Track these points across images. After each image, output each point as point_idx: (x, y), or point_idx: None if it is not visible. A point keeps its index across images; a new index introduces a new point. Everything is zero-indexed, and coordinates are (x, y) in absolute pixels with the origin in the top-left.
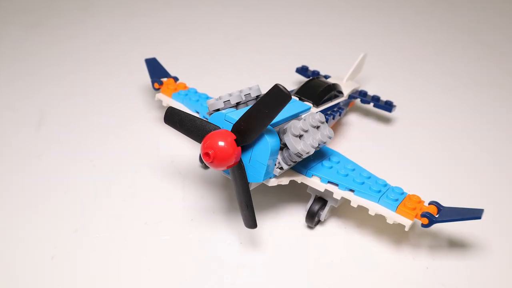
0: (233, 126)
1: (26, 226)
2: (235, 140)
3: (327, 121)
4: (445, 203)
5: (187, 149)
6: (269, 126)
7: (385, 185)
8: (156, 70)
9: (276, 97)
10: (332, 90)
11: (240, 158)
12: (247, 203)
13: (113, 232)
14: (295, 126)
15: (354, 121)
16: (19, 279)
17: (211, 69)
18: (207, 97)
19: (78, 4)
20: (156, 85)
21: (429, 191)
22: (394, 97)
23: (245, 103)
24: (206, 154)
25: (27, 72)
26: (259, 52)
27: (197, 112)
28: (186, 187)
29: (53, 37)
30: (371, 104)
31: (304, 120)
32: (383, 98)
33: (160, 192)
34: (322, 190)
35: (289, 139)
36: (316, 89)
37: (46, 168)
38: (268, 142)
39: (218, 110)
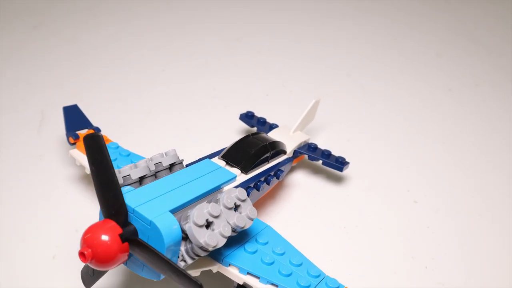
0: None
1: (27, 226)
2: (120, 234)
3: (258, 189)
4: None
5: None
6: (169, 212)
7: (318, 275)
8: (75, 120)
9: (88, 148)
10: (268, 151)
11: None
12: (175, 271)
13: None
14: (199, 213)
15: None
16: (19, 279)
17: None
18: (129, 155)
19: (80, 5)
20: (71, 140)
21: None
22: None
23: (154, 175)
24: (82, 255)
25: (28, 73)
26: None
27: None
28: None
29: (55, 38)
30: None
31: (218, 200)
32: (337, 150)
33: None
34: (241, 283)
35: (190, 230)
36: (248, 151)
37: (48, 167)
38: (163, 235)
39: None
